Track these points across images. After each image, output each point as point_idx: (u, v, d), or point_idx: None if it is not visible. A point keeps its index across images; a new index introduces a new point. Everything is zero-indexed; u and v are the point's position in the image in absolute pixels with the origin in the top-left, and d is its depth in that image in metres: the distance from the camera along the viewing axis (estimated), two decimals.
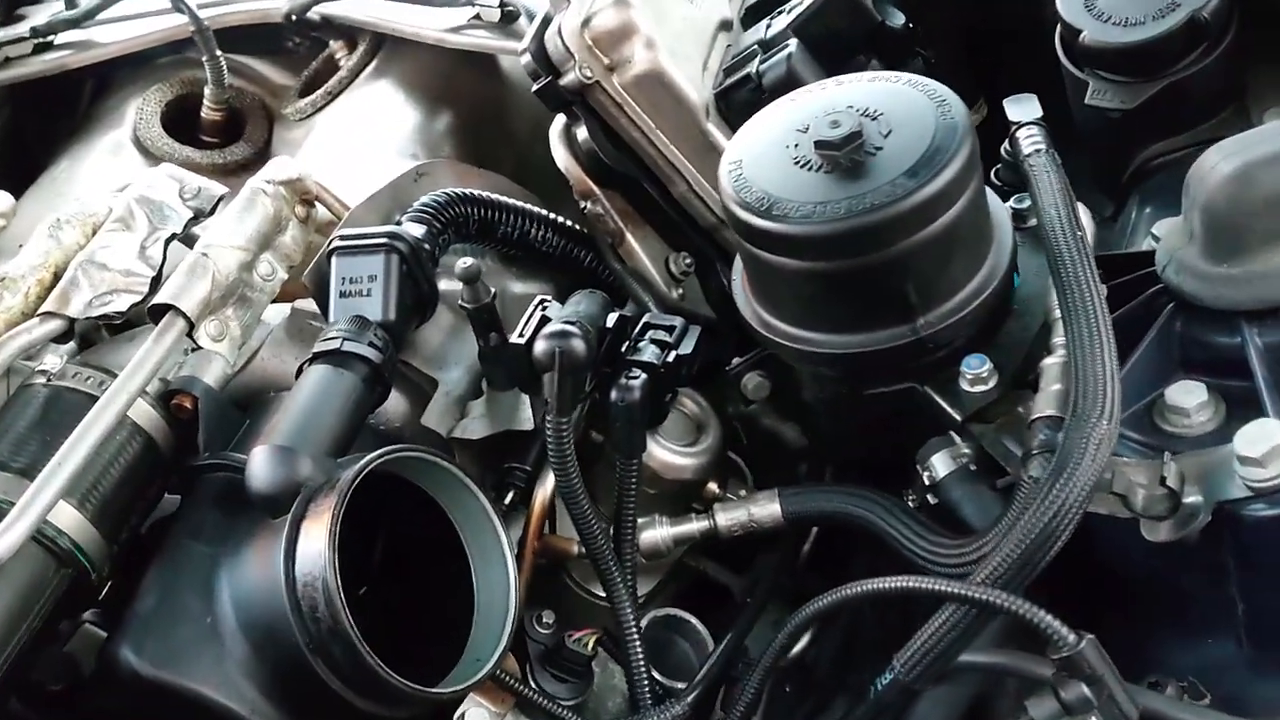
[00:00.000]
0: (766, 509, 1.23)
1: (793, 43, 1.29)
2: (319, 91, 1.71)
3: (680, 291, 1.41)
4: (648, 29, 1.29)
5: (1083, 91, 1.41)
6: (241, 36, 1.75)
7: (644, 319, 1.24)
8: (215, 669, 1.06)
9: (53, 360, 1.21)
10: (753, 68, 1.31)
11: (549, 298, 1.23)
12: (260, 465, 1.08)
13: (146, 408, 1.19)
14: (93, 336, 1.37)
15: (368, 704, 1.06)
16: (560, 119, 1.38)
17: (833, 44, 1.31)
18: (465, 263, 1.20)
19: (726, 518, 1.25)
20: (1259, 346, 1.06)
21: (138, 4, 1.78)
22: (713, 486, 1.34)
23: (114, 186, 1.38)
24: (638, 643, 1.19)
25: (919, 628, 1.19)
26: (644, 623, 1.23)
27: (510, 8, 1.60)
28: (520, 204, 1.38)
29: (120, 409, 1.12)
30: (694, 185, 1.36)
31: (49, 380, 1.19)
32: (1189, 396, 1.07)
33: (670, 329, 1.23)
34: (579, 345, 1.11)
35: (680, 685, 1.26)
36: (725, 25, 1.42)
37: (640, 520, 1.24)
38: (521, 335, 1.18)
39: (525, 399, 1.27)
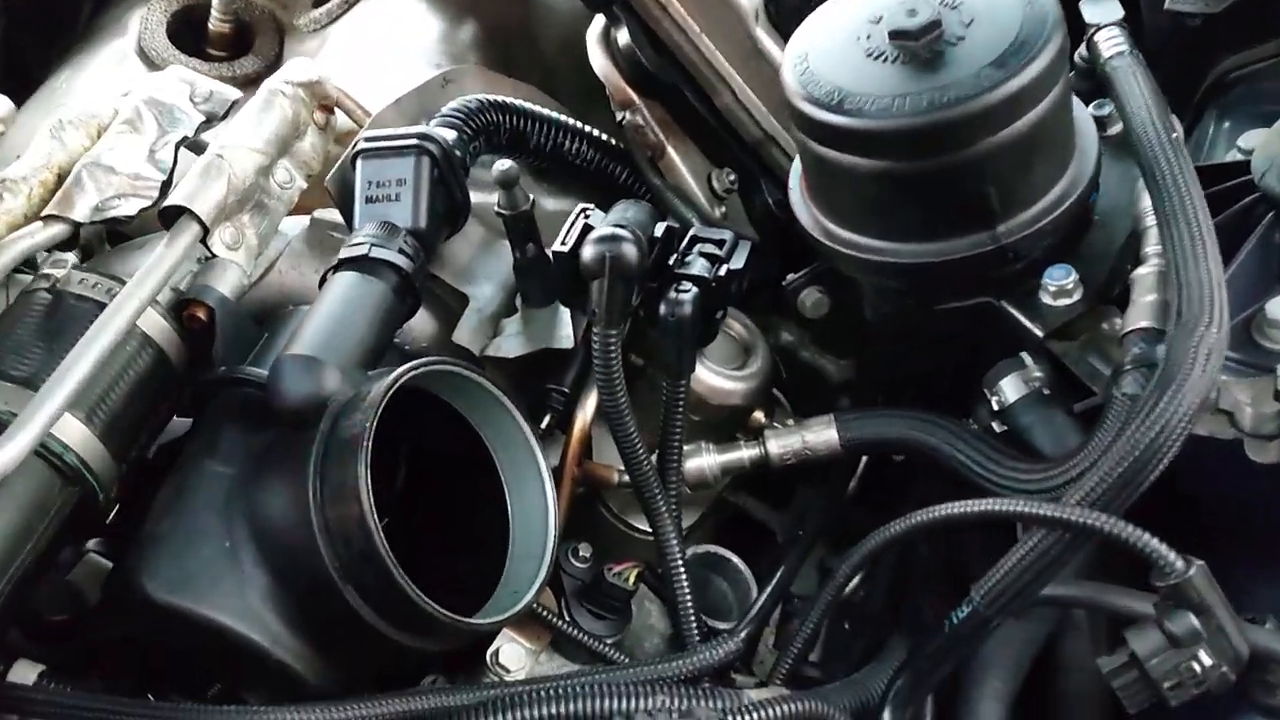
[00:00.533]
0: (822, 435, 1.16)
1: None
2: (334, 0, 1.61)
3: (723, 210, 1.33)
4: None
5: None
6: None
7: (691, 231, 1.16)
8: (235, 596, 0.98)
9: (56, 268, 1.12)
10: None
11: (591, 206, 1.14)
12: (284, 376, 0.99)
13: (157, 318, 1.10)
14: (96, 248, 1.28)
15: (401, 635, 0.98)
16: (599, 21, 1.29)
17: None
18: (503, 165, 1.11)
19: (779, 445, 1.17)
20: None
21: None
22: (759, 415, 1.25)
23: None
24: (684, 577, 1.11)
25: (978, 560, 1.14)
26: None
27: None
28: (554, 114, 1.29)
29: (130, 316, 1.03)
30: (739, 95, 1.28)
31: (53, 286, 1.10)
32: None
33: (720, 243, 1.14)
34: (631, 250, 1.03)
35: (722, 625, 1.19)
36: None
37: (685, 448, 1.16)
38: (564, 244, 1.09)
39: (563, 316, 1.18)
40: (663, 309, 1.08)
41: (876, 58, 1.00)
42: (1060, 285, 1.01)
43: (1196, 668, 0.85)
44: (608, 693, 0.95)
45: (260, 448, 1.03)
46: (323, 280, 1.09)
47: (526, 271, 1.17)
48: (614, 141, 1.33)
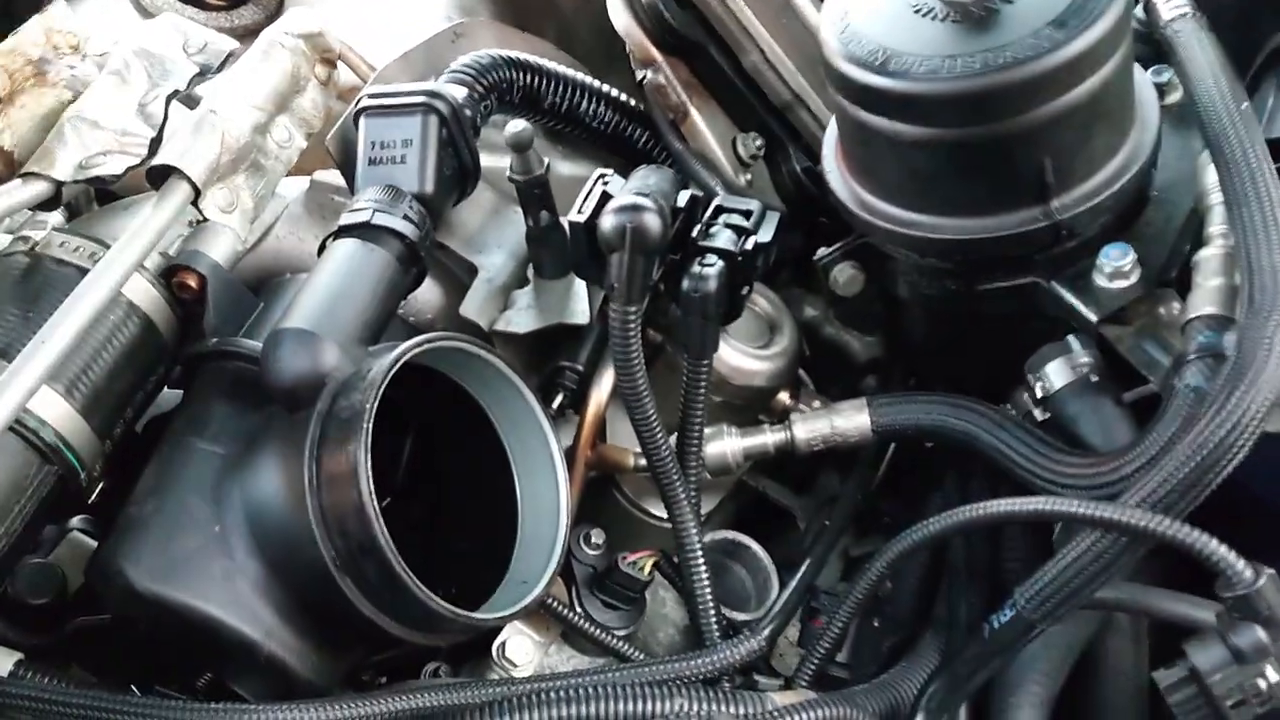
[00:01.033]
0: (853, 421, 1.09)
1: None
2: None
3: (748, 177, 1.25)
4: None
5: None
6: None
7: (716, 201, 1.08)
8: (224, 586, 0.91)
9: (35, 229, 1.05)
10: None
11: (610, 172, 1.07)
12: (279, 351, 0.92)
13: (145, 285, 1.04)
14: (83, 209, 1.21)
15: (401, 630, 0.92)
16: None
17: None
18: (516, 126, 1.03)
19: (807, 429, 1.10)
20: None
21: None
22: (783, 397, 1.19)
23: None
24: (703, 568, 1.04)
25: (1014, 557, 1.07)
26: None
27: None
28: (571, 73, 1.21)
29: (115, 283, 0.96)
30: (768, 54, 1.20)
31: (32, 249, 1.02)
32: None
33: (747, 213, 1.07)
34: (653, 221, 0.96)
35: (740, 616, 1.12)
36: None
37: (706, 431, 1.09)
38: (581, 212, 1.02)
39: (578, 289, 1.11)
40: (686, 284, 1.01)
41: (925, 15, 0.92)
42: (1117, 266, 0.94)
43: (1263, 685, 0.79)
44: (624, 694, 0.90)
45: (252, 427, 0.97)
46: (322, 248, 1.02)
47: (540, 241, 1.09)
48: (634, 103, 1.25)
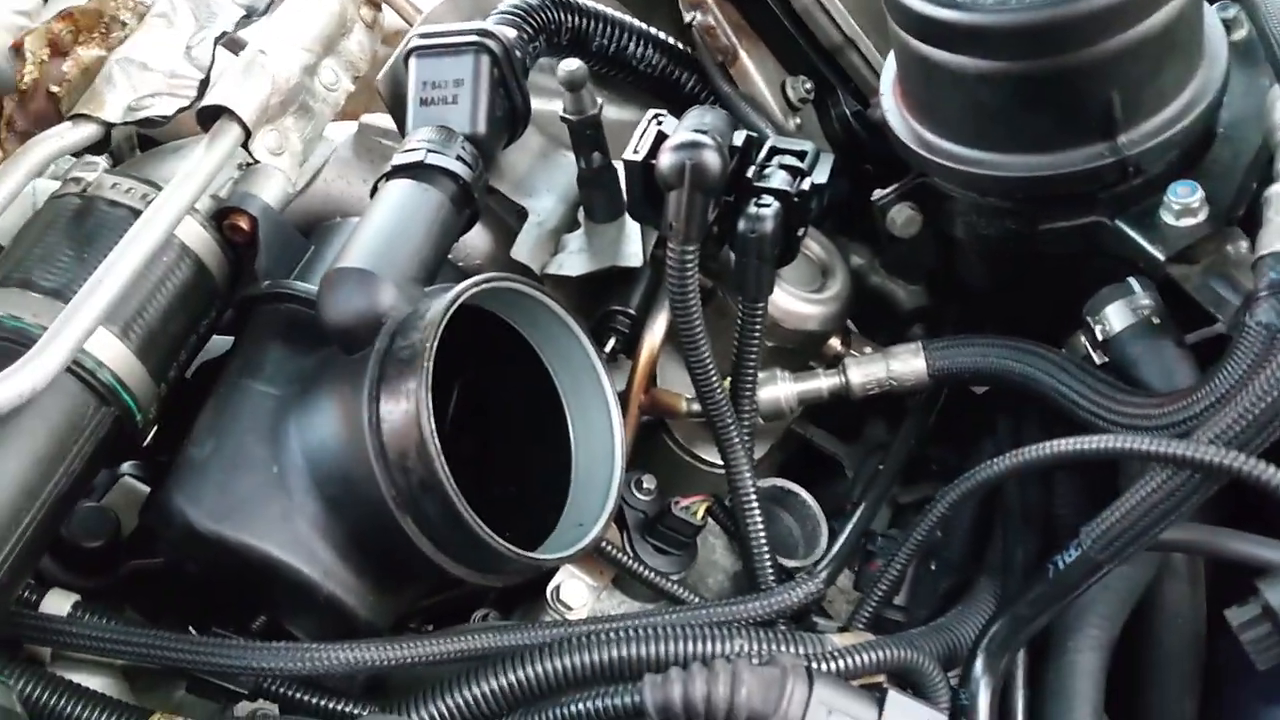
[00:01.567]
0: (909, 364, 1.08)
1: None
2: None
3: (797, 121, 1.24)
4: None
5: None
6: None
7: (770, 142, 1.07)
8: (283, 525, 0.91)
9: (87, 171, 1.04)
10: None
11: (663, 111, 1.05)
12: (336, 291, 0.92)
13: (197, 227, 1.03)
14: (126, 154, 1.21)
15: (460, 570, 0.92)
16: None
17: None
18: (570, 65, 1.02)
19: (862, 374, 1.09)
20: None
21: None
22: (835, 343, 1.18)
23: None
24: (757, 511, 1.04)
25: (1066, 504, 1.06)
26: None
27: None
28: (619, 15, 1.20)
29: (168, 224, 0.95)
30: None
31: (84, 191, 1.02)
32: None
33: (801, 154, 1.05)
34: (713, 158, 0.94)
35: (791, 562, 1.12)
36: None
37: (760, 375, 1.08)
38: (636, 151, 1.00)
39: (630, 232, 1.09)
40: (742, 224, 1.00)
41: None
42: (1185, 204, 0.92)
43: None
44: (684, 635, 0.89)
45: (307, 368, 0.96)
46: (374, 190, 1.00)
47: (591, 183, 1.08)
48: (681, 46, 1.23)
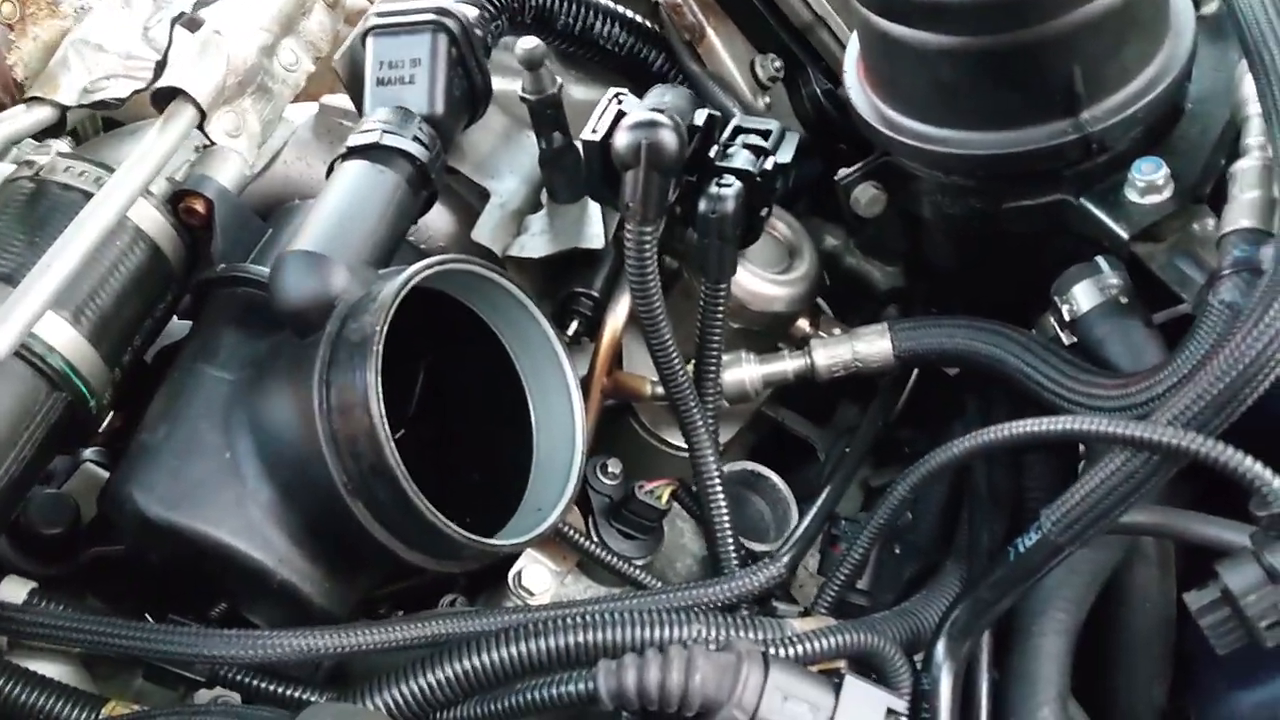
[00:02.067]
0: (875, 346, 1.06)
1: None
2: None
3: (767, 101, 1.22)
4: None
5: None
6: None
7: (734, 121, 1.05)
8: (236, 512, 0.90)
9: (40, 154, 1.03)
10: None
11: (624, 90, 1.04)
12: (288, 274, 0.90)
13: (152, 210, 1.02)
14: (87, 138, 1.19)
15: (414, 556, 0.90)
16: None
17: None
18: (528, 43, 1.00)
19: (827, 355, 1.08)
20: None
21: None
22: (803, 324, 1.16)
23: None
24: (721, 495, 1.03)
25: (1037, 486, 1.05)
26: None
27: None
28: None
29: (120, 206, 0.94)
30: None
31: (36, 174, 1.01)
32: None
33: (765, 133, 1.04)
34: (670, 138, 0.93)
35: (760, 547, 1.11)
36: None
37: (724, 357, 1.06)
38: (595, 131, 0.99)
39: (592, 213, 1.08)
40: (703, 205, 0.98)
41: None
42: (1149, 180, 0.91)
43: None
44: (640, 621, 0.88)
45: (262, 353, 0.95)
46: (329, 171, 0.99)
47: (553, 163, 1.07)
48: (648, 24, 1.21)
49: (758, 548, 1.11)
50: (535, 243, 1.08)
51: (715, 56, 1.19)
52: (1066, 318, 0.99)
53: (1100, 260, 0.98)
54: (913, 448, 1.22)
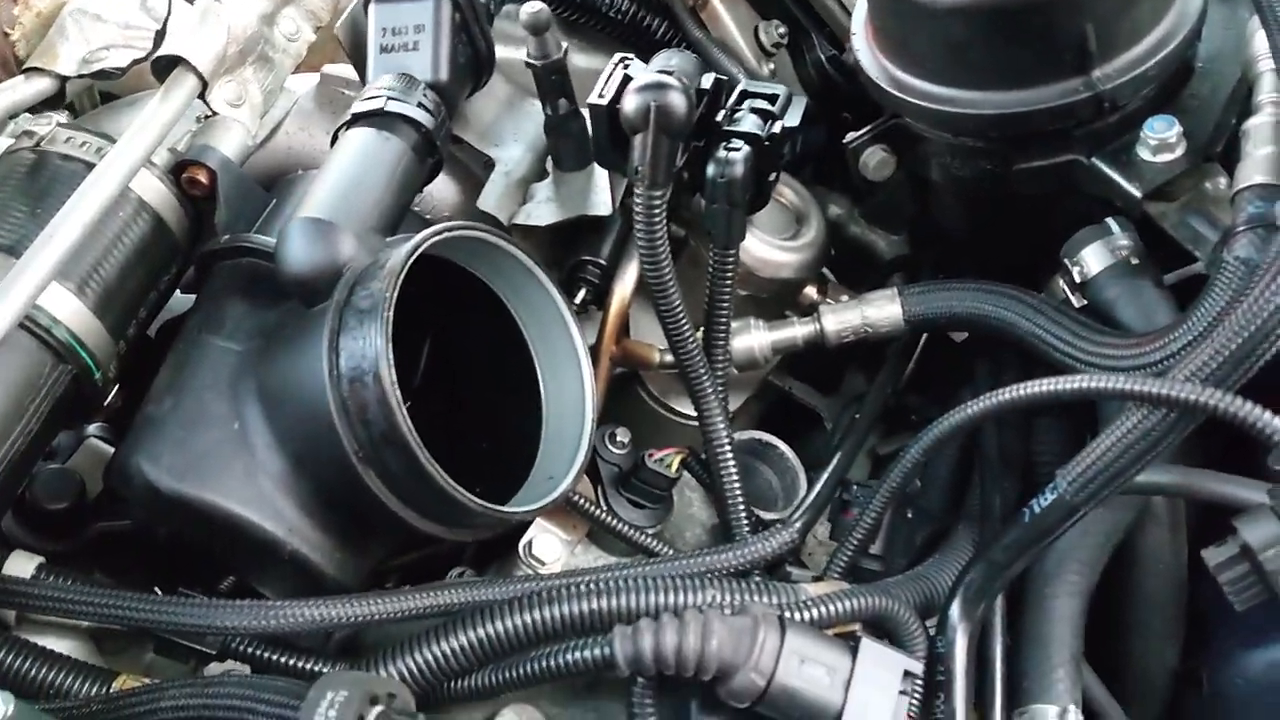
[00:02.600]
0: (885, 311, 1.06)
1: None
2: None
3: (771, 67, 1.22)
4: None
5: None
6: None
7: (741, 86, 1.04)
8: (245, 483, 0.89)
9: (40, 125, 1.02)
10: None
11: (630, 56, 1.03)
12: (293, 242, 0.89)
13: (154, 181, 1.01)
14: (87, 107, 1.18)
15: (427, 524, 0.90)
16: None
17: None
18: (532, 7, 0.99)
19: (837, 321, 1.07)
20: None
21: None
22: (810, 291, 1.16)
23: None
24: (732, 463, 1.02)
25: (1048, 450, 1.05)
26: None
27: None
28: None
29: (122, 176, 0.93)
30: None
31: (37, 145, 0.99)
32: None
33: (772, 98, 1.03)
34: (678, 100, 0.92)
35: (769, 515, 1.10)
36: None
37: (733, 324, 1.06)
38: (601, 95, 0.98)
39: (599, 180, 1.07)
40: (711, 169, 0.98)
41: None
42: (1161, 139, 0.90)
43: None
44: (654, 586, 0.87)
45: (268, 322, 0.94)
46: (334, 139, 0.98)
47: (558, 130, 1.06)
48: None
49: (768, 516, 1.10)
50: (542, 210, 1.07)
51: (719, 23, 1.18)
52: (1077, 280, 0.98)
53: (1110, 222, 0.98)
54: (921, 415, 1.22)
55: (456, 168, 1.11)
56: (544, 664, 0.87)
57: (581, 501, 1.01)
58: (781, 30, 1.20)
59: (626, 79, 0.99)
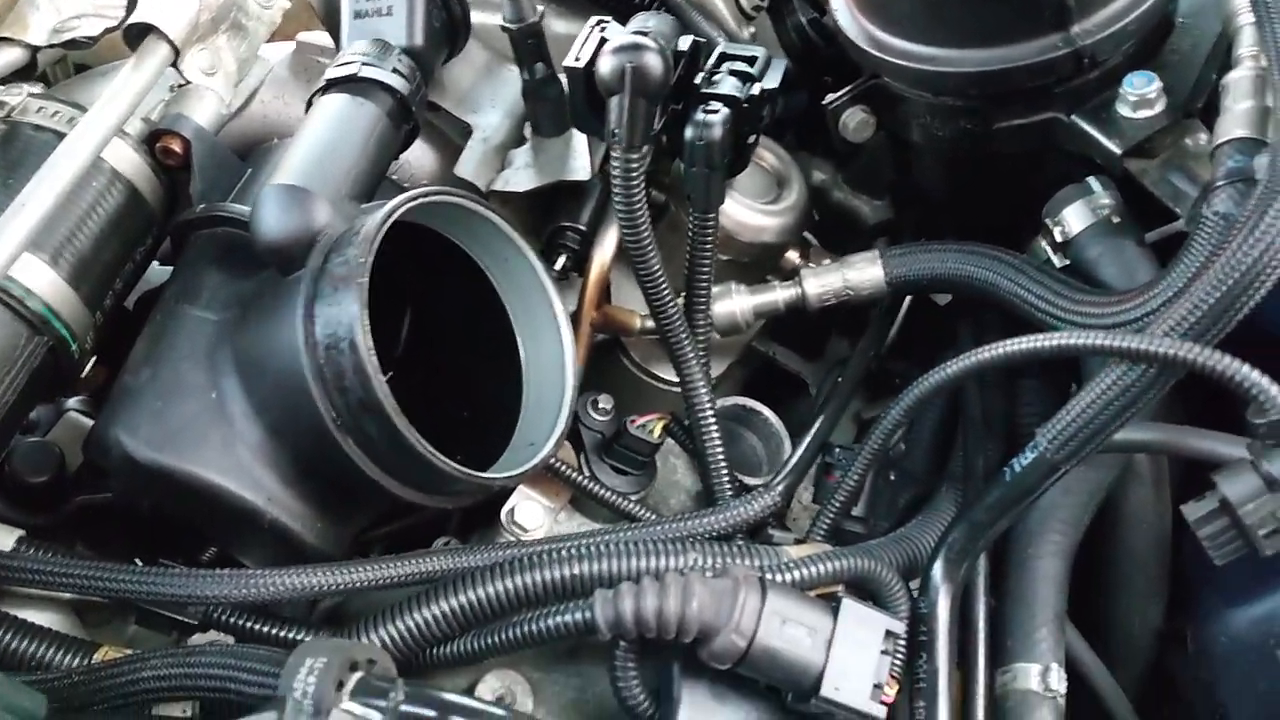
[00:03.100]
0: (866, 273, 1.05)
1: None
2: None
3: (751, 30, 1.20)
4: None
5: None
6: None
7: (719, 48, 1.03)
8: (224, 452, 0.89)
9: (11, 95, 1.01)
10: None
11: (607, 18, 1.01)
12: (268, 209, 0.89)
13: (128, 151, 1.00)
14: (60, 79, 1.17)
15: (406, 491, 0.89)
16: None
17: None
18: None
19: (818, 284, 1.06)
20: None
21: None
22: (792, 255, 1.15)
23: None
24: (714, 427, 1.02)
25: (1031, 411, 1.05)
26: None
27: None
28: None
29: (95, 145, 0.92)
30: None
31: (8, 116, 0.99)
32: None
33: (751, 60, 1.02)
34: (654, 60, 0.91)
35: (753, 480, 1.10)
36: None
37: (714, 289, 1.05)
38: (578, 59, 0.97)
39: (577, 145, 1.06)
40: (690, 132, 0.97)
41: None
42: (1141, 94, 0.90)
43: None
44: (635, 551, 0.87)
45: (245, 292, 0.94)
46: (308, 106, 0.97)
47: (536, 95, 1.05)
48: None
49: (752, 481, 1.10)
50: (520, 176, 1.06)
51: None
52: (1059, 240, 0.98)
53: (1091, 180, 0.97)
54: (905, 380, 1.21)
55: (434, 135, 1.10)
56: (526, 629, 0.86)
57: (563, 468, 1.01)
58: None
59: (603, 41, 0.98)
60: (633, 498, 1.04)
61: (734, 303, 1.08)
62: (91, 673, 0.86)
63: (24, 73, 1.04)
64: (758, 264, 1.13)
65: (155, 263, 1.07)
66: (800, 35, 1.20)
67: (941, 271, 1.02)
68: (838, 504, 0.99)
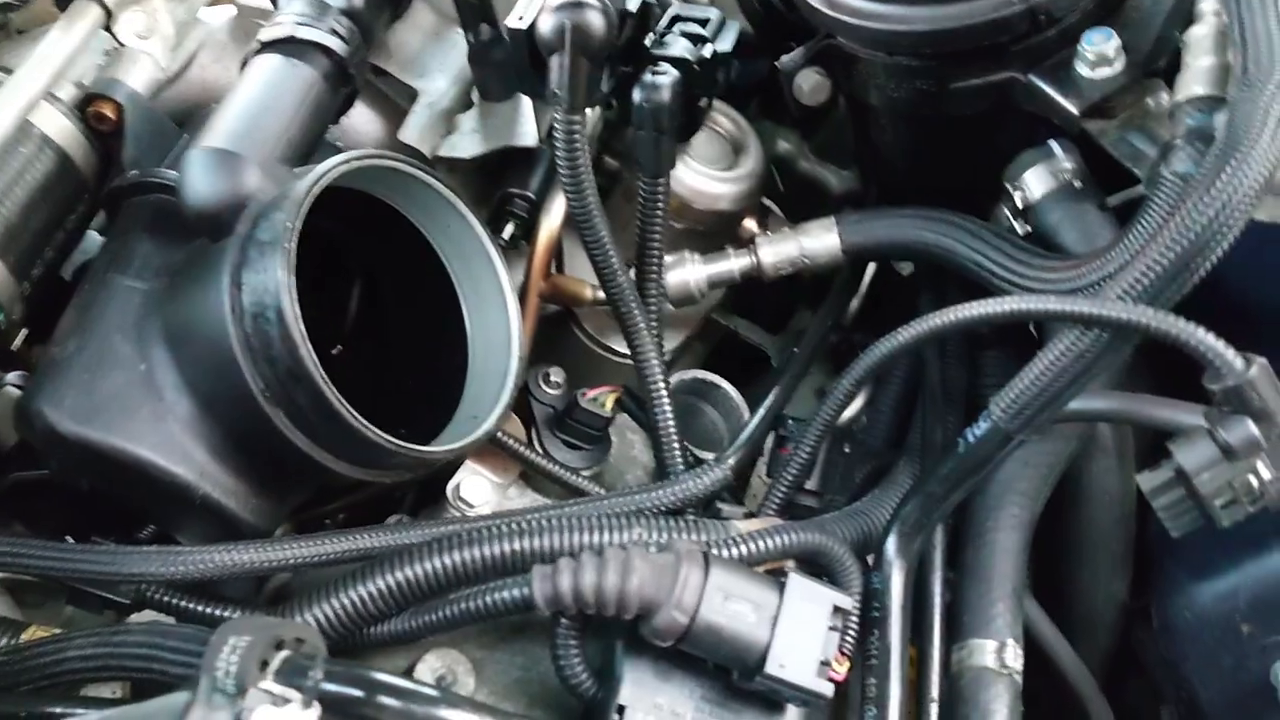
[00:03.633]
0: (822, 241, 1.02)
1: None
2: None
3: None
4: None
5: None
6: None
7: (671, 10, 1.00)
8: (154, 426, 0.86)
9: None
10: None
11: None
12: (195, 173, 0.85)
13: (59, 116, 0.96)
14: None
15: (341, 465, 0.86)
16: None
17: None
18: None
19: (773, 252, 1.04)
20: None
21: None
22: (751, 224, 1.12)
23: None
24: (666, 400, 0.99)
25: (993, 383, 1.02)
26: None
27: None
28: None
29: (20, 109, 0.90)
30: None
31: None
32: None
33: (704, 21, 0.99)
34: (596, 19, 0.88)
35: (710, 455, 1.07)
36: None
37: (667, 259, 1.02)
38: (521, 19, 0.94)
39: (525, 110, 1.03)
40: (637, 94, 0.94)
41: None
42: (1099, 52, 0.87)
43: (1254, 481, 0.73)
44: (577, 526, 0.84)
45: (176, 260, 0.90)
46: (242, 67, 0.94)
47: (483, 58, 1.01)
48: None
49: (708, 456, 1.07)
50: (466, 142, 1.03)
51: None
52: (1020, 206, 0.95)
53: (1053, 143, 0.94)
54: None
55: (379, 100, 1.07)
56: (464, 606, 0.84)
57: (511, 443, 0.98)
58: None
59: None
60: (585, 473, 1.01)
61: (687, 272, 1.05)
62: (16, 653, 0.83)
63: None
64: (715, 233, 1.10)
65: (95, 234, 1.04)
66: (763, 1, 1.17)
67: (898, 238, 0.99)
68: (789, 477, 0.97)
